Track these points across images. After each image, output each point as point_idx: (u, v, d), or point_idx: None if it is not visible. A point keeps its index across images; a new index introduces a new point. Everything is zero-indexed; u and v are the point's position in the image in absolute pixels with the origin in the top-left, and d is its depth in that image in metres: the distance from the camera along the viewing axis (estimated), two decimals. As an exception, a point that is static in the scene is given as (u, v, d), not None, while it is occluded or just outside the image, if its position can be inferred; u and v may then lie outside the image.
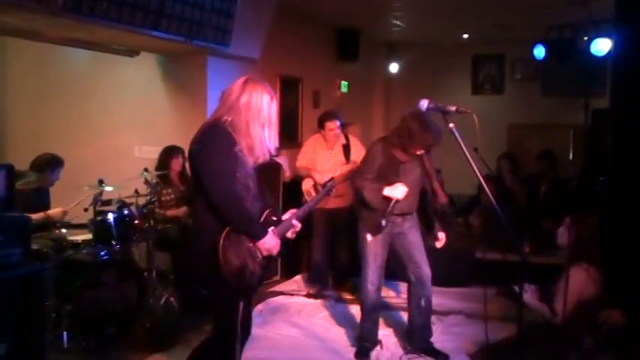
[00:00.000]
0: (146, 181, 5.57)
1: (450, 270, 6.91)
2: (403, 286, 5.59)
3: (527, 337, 4.10)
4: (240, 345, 3.34)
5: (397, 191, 4.39)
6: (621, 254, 3.84)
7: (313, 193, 6.34)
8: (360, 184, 4.60)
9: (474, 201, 8.31)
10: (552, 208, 7.24)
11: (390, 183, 4.45)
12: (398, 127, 4.56)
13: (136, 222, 5.25)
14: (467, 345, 4.96)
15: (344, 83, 9.55)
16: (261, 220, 3.33)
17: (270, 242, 3.24)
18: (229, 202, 3.10)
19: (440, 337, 5.14)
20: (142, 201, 5.50)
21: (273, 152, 3.40)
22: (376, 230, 4.54)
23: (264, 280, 3.47)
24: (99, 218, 5.05)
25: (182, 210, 6.15)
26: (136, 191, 5.49)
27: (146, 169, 5.59)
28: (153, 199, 5.51)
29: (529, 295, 4.33)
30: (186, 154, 3.31)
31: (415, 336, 4.84)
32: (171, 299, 5.63)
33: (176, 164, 6.27)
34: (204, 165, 3.12)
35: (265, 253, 3.25)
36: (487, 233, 7.02)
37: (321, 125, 6.47)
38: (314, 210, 5.83)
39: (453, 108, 3.01)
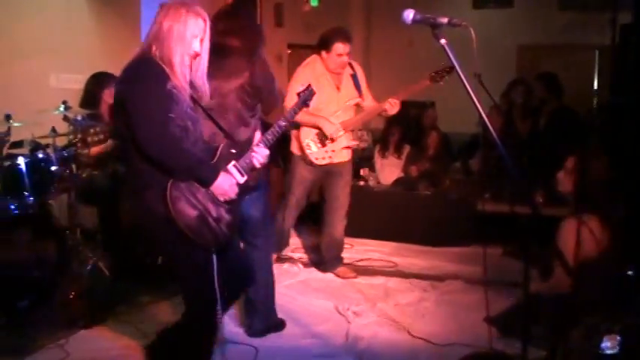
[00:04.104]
0: (65, 118, 5.48)
1: (445, 226, 6.99)
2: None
3: (536, 306, 4.18)
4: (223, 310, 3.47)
5: None
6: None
7: (318, 148, 5.79)
8: None
9: (475, 141, 8.34)
10: (552, 146, 7.23)
11: None
12: None
13: (54, 168, 5.19)
14: (465, 316, 5.02)
15: (313, -6, 9.43)
16: (215, 158, 3.43)
17: (222, 185, 3.33)
18: (163, 147, 3.17)
19: (433, 307, 5.24)
20: (61, 141, 5.43)
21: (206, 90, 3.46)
22: None
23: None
24: (7, 163, 4.99)
25: (108, 144, 6.05)
26: (53, 130, 5.40)
27: (65, 102, 5.49)
28: (75, 140, 5.43)
29: None
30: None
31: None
32: (100, 264, 5.61)
33: (108, 96, 6.17)
34: (131, 108, 3.18)
35: (222, 199, 3.36)
36: (491, 180, 7.05)
37: (326, 46, 5.77)
38: (299, 163, 5.86)
39: (445, 20, 2.95)
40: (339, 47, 5.68)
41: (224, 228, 3.38)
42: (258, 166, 3.59)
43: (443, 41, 2.93)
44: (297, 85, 5.55)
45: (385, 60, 8.82)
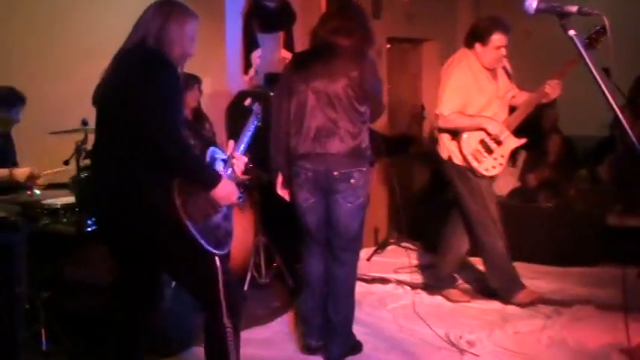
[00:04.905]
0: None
1: (571, 242, 6.84)
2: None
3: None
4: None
5: None
6: None
7: (485, 157, 5.64)
8: None
9: (605, 145, 8.14)
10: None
11: None
12: None
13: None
14: (598, 346, 4.90)
15: (416, -17, 9.37)
16: None
17: (225, 189, 3.48)
18: (180, 154, 3.33)
19: (559, 336, 5.11)
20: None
21: None
22: None
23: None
24: (84, 175, 5.06)
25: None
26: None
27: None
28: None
29: None
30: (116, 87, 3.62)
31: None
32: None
33: (192, 99, 6.31)
34: (150, 108, 3.31)
35: (223, 203, 3.56)
36: (624, 190, 6.87)
37: (481, 38, 5.61)
38: (467, 174, 5.70)
39: (574, 8, 2.88)
40: (497, 39, 5.55)
41: (221, 235, 3.57)
42: (239, 174, 3.82)
43: (572, 32, 2.87)
44: (456, 90, 5.56)
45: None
